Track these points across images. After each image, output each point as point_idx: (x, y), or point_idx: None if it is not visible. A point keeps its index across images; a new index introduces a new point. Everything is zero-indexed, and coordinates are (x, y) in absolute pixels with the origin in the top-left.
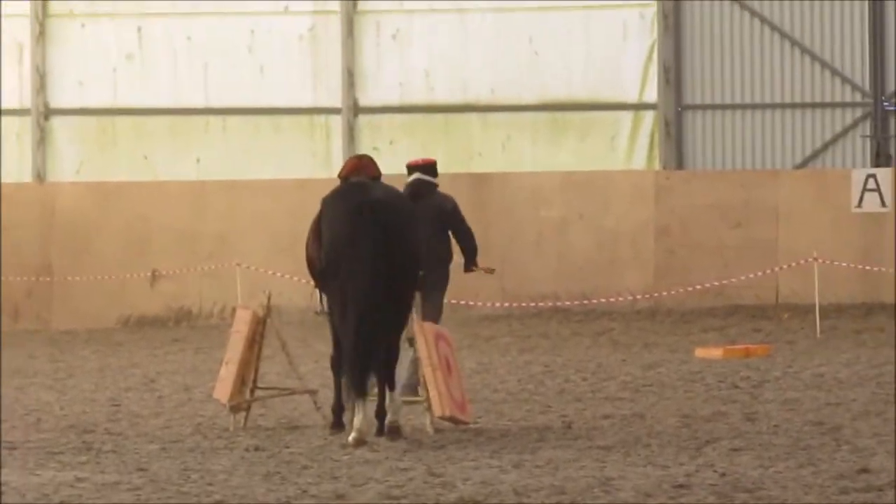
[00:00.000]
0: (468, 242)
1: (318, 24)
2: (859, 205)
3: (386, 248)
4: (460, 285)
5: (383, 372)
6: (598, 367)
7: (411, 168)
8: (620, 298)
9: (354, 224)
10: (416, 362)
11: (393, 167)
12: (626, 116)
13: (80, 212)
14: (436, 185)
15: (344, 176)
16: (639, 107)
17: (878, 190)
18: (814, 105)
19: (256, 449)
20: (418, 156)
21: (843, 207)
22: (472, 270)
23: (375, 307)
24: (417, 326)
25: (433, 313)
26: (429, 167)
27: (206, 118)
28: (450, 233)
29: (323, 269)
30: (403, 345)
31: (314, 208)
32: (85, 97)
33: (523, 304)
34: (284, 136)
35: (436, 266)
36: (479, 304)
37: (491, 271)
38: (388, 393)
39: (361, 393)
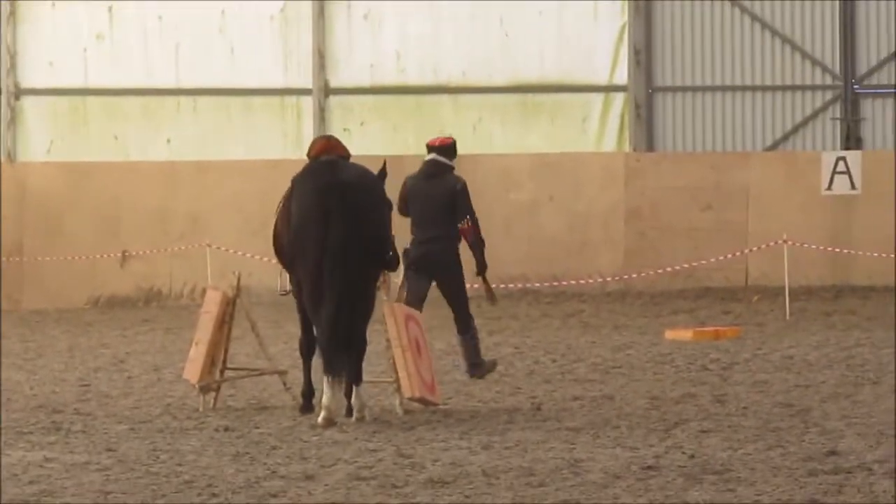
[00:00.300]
0: (471, 226)
1: (290, 5)
2: (829, 187)
3: (356, 227)
4: None
5: (351, 364)
6: (568, 348)
7: (429, 148)
8: (591, 280)
9: (325, 202)
10: (467, 346)
11: (363, 148)
12: (597, 98)
13: (51, 192)
14: (451, 167)
15: (313, 156)
16: (609, 89)
17: (847, 172)
18: (784, 87)
19: (226, 429)
20: (388, 137)
21: (814, 190)
22: (484, 268)
23: (348, 288)
24: (387, 307)
25: (458, 305)
26: (446, 148)
27: (178, 98)
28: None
29: (291, 247)
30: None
31: (285, 189)
32: (56, 77)
33: (493, 286)
34: (255, 116)
35: (444, 244)
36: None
37: (491, 300)
38: (354, 388)
39: (332, 372)
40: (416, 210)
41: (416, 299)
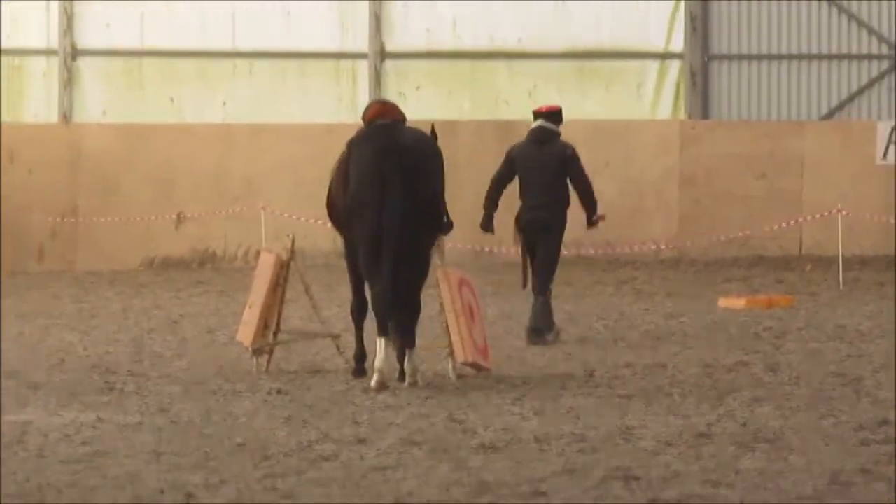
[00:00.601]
0: (585, 190)
1: None
2: (884, 157)
3: (414, 191)
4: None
5: (404, 326)
6: (621, 315)
7: (536, 115)
8: (644, 247)
9: (383, 165)
10: (539, 308)
11: (418, 112)
12: (653, 66)
13: (106, 153)
14: (558, 133)
15: (368, 119)
16: (665, 56)
17: None
18: (840, 56)
19: (278, 392)
20: (443, 102)
21: (868, 159)
22: (594, 225)
23: (404, 249)
24: (440, 272)
25: (546, 266)
26: (553, 114)
27: (233, 61)
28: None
29: (348, 209)
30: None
31: (339, 152)
32: (112, 39)
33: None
34: (311, 80)
35: (554, 209)
36: (503, 250)
37: (601, 218)
38: (407, 352)
39: (388, 334)
40: (525, 175)
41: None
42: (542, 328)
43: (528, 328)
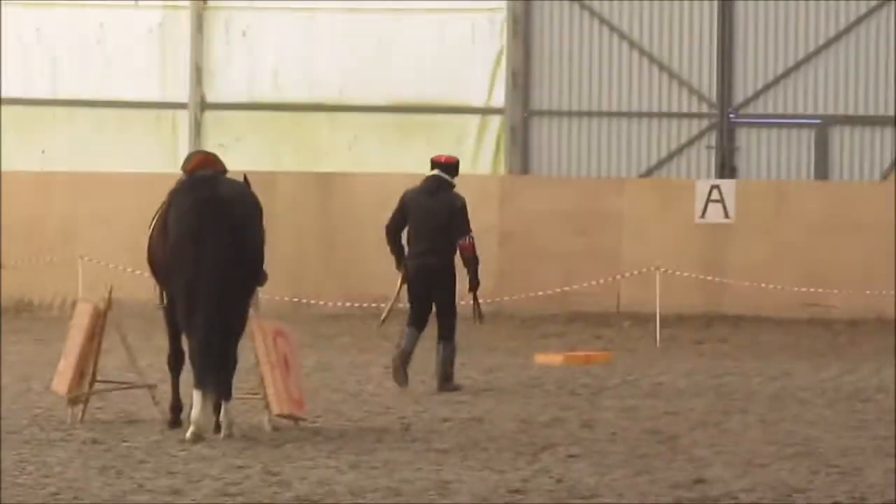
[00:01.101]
0: (465, 248)
1: (168, 19)
2: (703, 215)
3: (231, 244)
4: (304, 283)
5: (221, 380)
6: None
7: (434, 164)
8: (462, 302)
9: (202, 218)
10: (446, 354)
11: (239, 164)
12: (474, 120)
13: None
14: (453, 185)
15: (190, 170)
16: (486, 111)
17: (721, 201)
18: (660, 114)
19: (94, 442)
20: (264, 153)
21: (687, 217)
22: (477, 285)
23: (223, 302)
24: (255, 324)
25: (447, 314)
26: (450, 166)
27: (53, 109)
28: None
29: (168, 261)
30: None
31: (159, 203)
32: None
33: (364, 305)
34: (131, 129)
35: (441, 256)
36: (321, 302)
37: (479, 317)
38: (223, 404)
39: (203, 387)
40: (415, 223)
41: (418, 309)
42: (450, 376)
43: (438, 374)
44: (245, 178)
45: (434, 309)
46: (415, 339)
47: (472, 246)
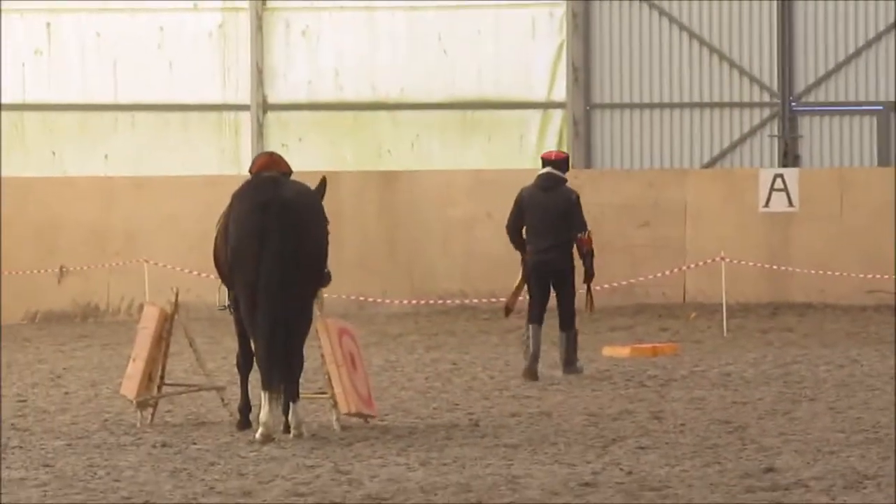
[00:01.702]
0: (581, 241)
1: (228, 21)
2: (767, 204)
3: (293, 244)
4: (368, 282)
5: (287, 381)
6: (506, 364)
7: (545, 161)
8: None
9: (263, 219)
10: (569, 340)
11: (301, 164)
12: (535, 115)
13: None
14: (565, 179)
15: (255, 171)
16: (547, 105)
17: (785, 190)
18: (722, 105)
19: (163, 445)
20: (326, 153)
21: (751, 207)
22: (592, 275)
23: (285, 304)
24: (320, 323)
25: (568, 297)
26: (561, 162)
27: (115, 114)
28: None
29: (230, 263)
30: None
31: (222, 205)
32: None
33: (431, 302)
34: (193, 132)
35: (562, 252)
36: (387, 301)
37: (591, 307)
38: (291, 405)
39: (272, 388)
40: (532, 220)
41: (539, 304)
42: (573, 361)
43: (563, 359)
44: (323, 179)
45: (555, 301)
46: (539, 335)
47: (590, 239)
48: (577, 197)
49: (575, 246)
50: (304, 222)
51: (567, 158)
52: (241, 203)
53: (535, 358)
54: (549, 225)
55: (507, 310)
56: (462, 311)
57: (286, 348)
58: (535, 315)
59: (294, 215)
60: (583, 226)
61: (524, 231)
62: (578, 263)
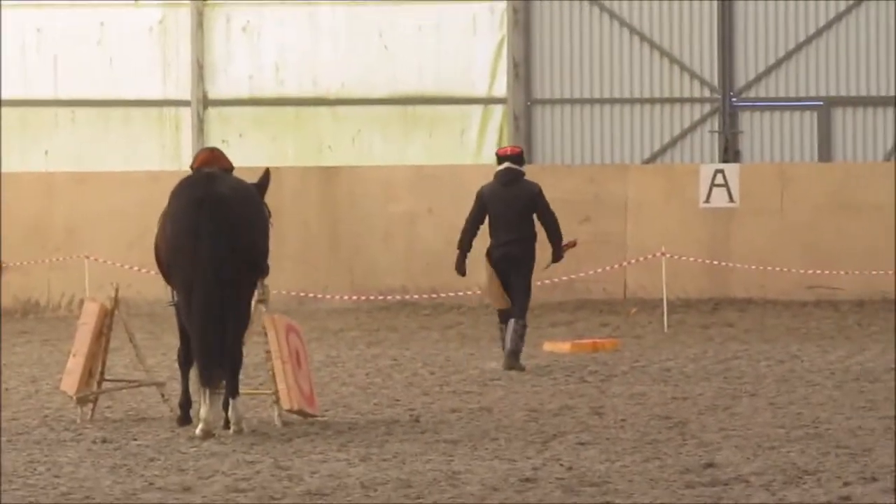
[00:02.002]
0: (553, 223)
1: (168, 17)
2: (707, 200)
3: (228, 241)
4: (309, 277)
5: (228, 378)
6: (447, 360)
7: (501, 157)
8: (469, 293)
9: (198, 216)
10: (516, 330)
11: (242, 160)
12: (476, 111)
13: None
14: (524, 173)
15: (196, 167)
16: (488, 101)
17: (725, 185)
18: (662, 100)
19: (103, 441)
20: (267, 149)
21: (692, 202)
22: (560, 258)
23: (219, 300)
24: (267, 319)
25: (521, 294)
26: (517, 157)
27: (56, 110)
28: (534, 216)
29: (167, 260)
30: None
31: (163, 200)
32: None
33: (372, 298)
34: (134, 128)
35: (524, 245)
36: (328, 297)
37: (573, 244)
38: (231, 401)
39: (210, 385)
40: (495, 215)
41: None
42: (518, 351)
43: (507, 351)
44: (267, 171)
45: (511, 290)
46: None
47: (575, 243)
48: (540, 189)
49: (547, 233)
50: (239, 218)
51: (522, 152)
52: (177, 200)
53: (512, 353)
54: (512, 219)
55: (501, 311)
56: (403, 306)
57: (223, 344)
58: (506, 314)
59: (229, 211)
60: (552, 215)
61: (488, 226)
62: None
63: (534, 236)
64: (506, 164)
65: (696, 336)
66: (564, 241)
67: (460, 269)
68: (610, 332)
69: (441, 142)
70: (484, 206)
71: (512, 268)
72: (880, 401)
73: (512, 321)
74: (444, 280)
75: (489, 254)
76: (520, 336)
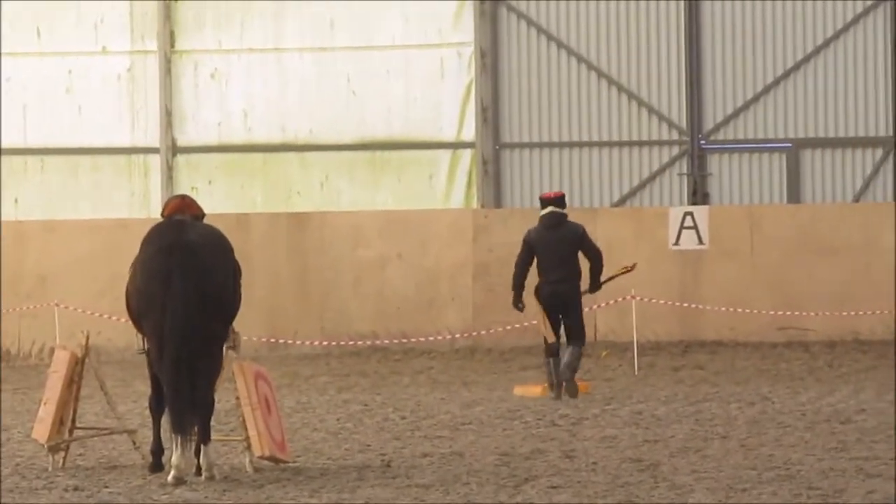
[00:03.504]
0: (598, 261)
1: (136, 64)
2: (677, 242)
3: (199, 288)
4: (279, 323)
5: (199, 424)
6: (418, 405)
7: (545, 201)
8: (440, 337)
9: (167, 263)
10: (573, 353)
11: (211, 206)
12: (445, 155)
13: None
14: (566, 215)
15: (166, 215)
16: (457, 145)
17: (695, 227)
18: (631, 143)
19: (76, 489)
20: (236, 195)
21: (661, 245)
22: (598, 288)
23: (190, 346)
24: (236, 366)
25: (577, 329)
26: (560, 200)
27: (25, 158)
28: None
29: (137, 307)
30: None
31: (133, 248)
32: None
33: (342, 343)
34: (103, 175)
35: (572, 283)
36: (298, 342)
37: (631, 269)
38: (203, 447)
39: (182, 431)
40: (543, 258)
41: (555, 330)
42: (574, 367)
43: (563, 364)
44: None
45: (563, 328)
46: (560, 365)
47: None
48: (584, 229)
49: (592, 267)
50: (208, 265)
51: (564, 196)
52: (147, 247)
53: (568, 365)
54: (558, 260)
55: (548, 345)
56: (374, 352)
57: (194, 391)
58: (553, 348)
59: (198, 258)
60: (597, 251)
61: (536, 266)
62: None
63: (579, 274)
64: (550, 209)
65: (666, 378)
66: (624, 267)
67: (517, 305)
68: (581, 375)
69: (410, 186)
70: (531, 249)
71: (561, 305)
72: (851, 442)
73: (570, 347)
74: (414, 325)
75: (538, 291)
76: (577, 357)
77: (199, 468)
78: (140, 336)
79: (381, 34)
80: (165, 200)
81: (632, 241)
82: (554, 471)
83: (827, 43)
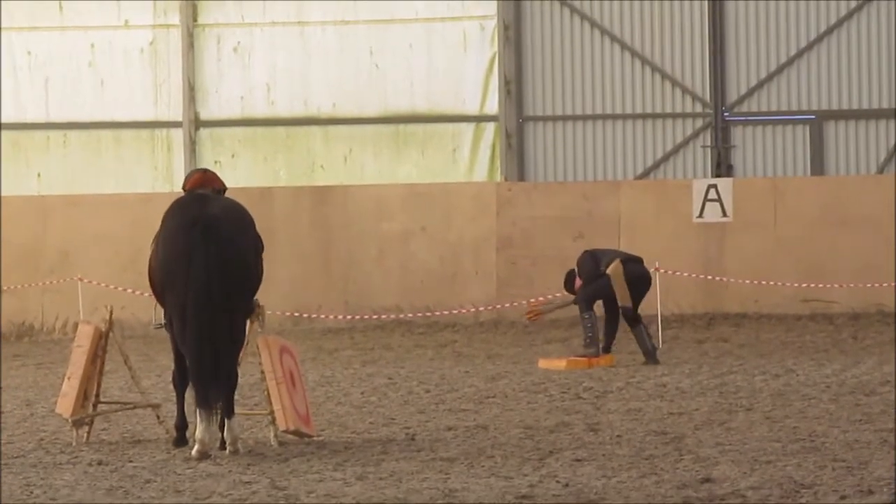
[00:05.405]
0: None
1: (159, 38)
2: (700, 215)
3: (221, 262)
4: (303, 297)
5: (223, 399)
6: (442, 378)
7: None
8: (463, 310)
9: (190, 237)
10: (641, 333)
11: (234, 180)
12: (468, 128)
13: None
14: None
15: (188, 189)
16: (480, 119)
17: (718, 200)
18: (654, 115)
19: (100, 463)
20: (259, 169)
21: (685, 218)
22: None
23: (213, 320)
24: (261, 340)
25: (636, 307)
26: None
27: (47, 133)
28: None
29: (160, 282)
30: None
31: (156, 222)
32: None
33: (366, 317)
34: (126, 150)
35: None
36: (322, 316)
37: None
38: (227, 421)
39: (206, 406)
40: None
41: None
42: (652, 350)
43: (646, 351)
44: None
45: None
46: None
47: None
48: None
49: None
50: (230, 239)
51: None
52: (169, 221)
53: (649, 353)
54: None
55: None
56: (397, 325)
57: (218, 365)
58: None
59: (221, 232)
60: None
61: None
62: None
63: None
64: None
65: (691, 351)
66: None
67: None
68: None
69: (433, 160)
70: None
71: (641, 285)
72: (876, 414)
73: (641, 327)
74: (437, 298)
75: (625, 264)
76: (649, 334)
77: (223, 442)
78: (159, 309)
79: (404, 7)
80: (187, 174)
81: (655, 214)
82: (578, 444)
83: (851, 14)
